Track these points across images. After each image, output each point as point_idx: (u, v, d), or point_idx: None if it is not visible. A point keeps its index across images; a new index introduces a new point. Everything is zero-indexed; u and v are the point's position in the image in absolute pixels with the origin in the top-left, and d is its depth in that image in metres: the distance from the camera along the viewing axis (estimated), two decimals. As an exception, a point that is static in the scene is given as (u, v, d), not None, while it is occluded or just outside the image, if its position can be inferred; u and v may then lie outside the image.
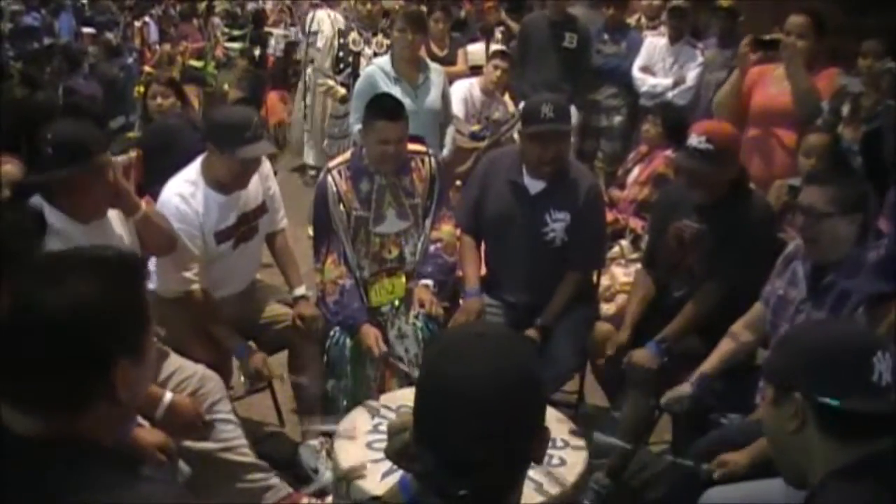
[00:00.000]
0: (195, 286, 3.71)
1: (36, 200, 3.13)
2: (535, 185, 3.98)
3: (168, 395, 3.20)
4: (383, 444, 2.93)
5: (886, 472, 1.76)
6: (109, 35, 13.53)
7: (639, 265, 4.20)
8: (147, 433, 2.94)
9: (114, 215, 3.32)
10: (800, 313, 3.15)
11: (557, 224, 3.96)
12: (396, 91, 5.05)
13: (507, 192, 4.02)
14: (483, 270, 4.22)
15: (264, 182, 3.99)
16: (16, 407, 1.44)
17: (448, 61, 7.03)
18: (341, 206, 4.04)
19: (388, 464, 2.66)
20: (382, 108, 3.97)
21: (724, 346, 3.42)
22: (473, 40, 8.00)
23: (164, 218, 3.55)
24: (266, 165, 4.01)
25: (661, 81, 6.65)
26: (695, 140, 3.57)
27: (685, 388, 3.38)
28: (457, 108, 6.05)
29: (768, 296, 3.35)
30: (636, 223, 5.14)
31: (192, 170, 3.81)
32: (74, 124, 3.23)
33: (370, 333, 3.88)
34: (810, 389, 1.81)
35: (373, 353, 3.85)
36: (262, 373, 3.80)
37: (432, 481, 1.45)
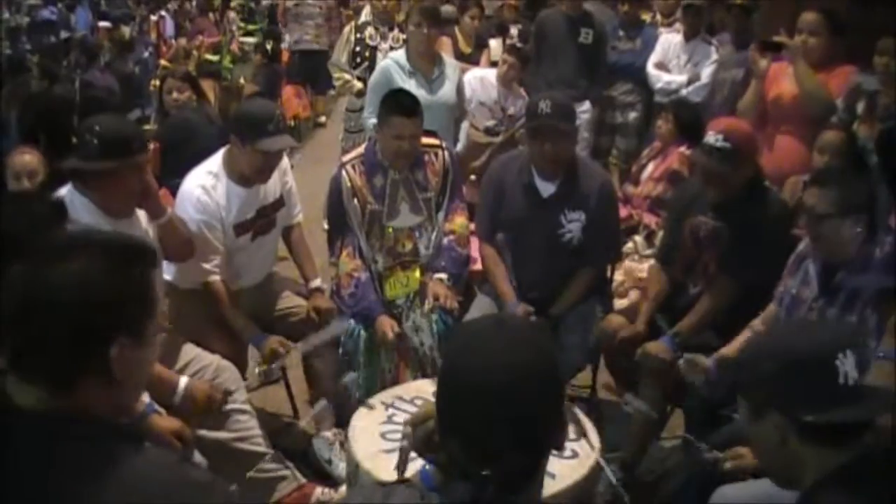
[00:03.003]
0: (214, 277, 3.75)
1: (66, 191, 3.18)
2: (546, 188, 3.97)
3: (184, 380, 3.24)
4: (397, 435, 2.98)
5: (873, 471, 1.77)
6: (126, 29, 13.60)
7: (653, 261, 4.20)
8: (162, 419, 2.97)
9: (140, 215, 3.39)
10: (812, 312, 3.16)
11: (573, 224, 3.96)
12: (411, 84, 5.07)
13: (519, 195, 4.01)
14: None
15: (282, 176, 4.03)
16: (19, 378, 1.51)
17: (474, 59, 7.06)
18: (356, 201, 4.06)
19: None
20: (398, 103, 3.98)
21: (745, 337, 3.43)
22: (491, 36, 8.02)
23: (185, 224, 3.59)
24: (284, 160, 4.04)
25: (676, 78, 6.64)
26: (712, 138, 3.55)
27: (706, 360, 3.40)
28: (473, 90, 6.08)
29: (781, 295, 3.36)
30: (650, 219, 5.15)
31: (214, 162, 3.84)
32: (120, 120, 3.36)
33: (385, 322, 3.91)
34: (782, 407, 1.82)
35: (387, 339, 3.87)
36: (278, 351, 3.78)
37: (457, 466, 1.49)
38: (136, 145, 3.22)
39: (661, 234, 4.47)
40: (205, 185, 3.77)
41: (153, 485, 1.47)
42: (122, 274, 1.55)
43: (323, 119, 11.87)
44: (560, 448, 1.57)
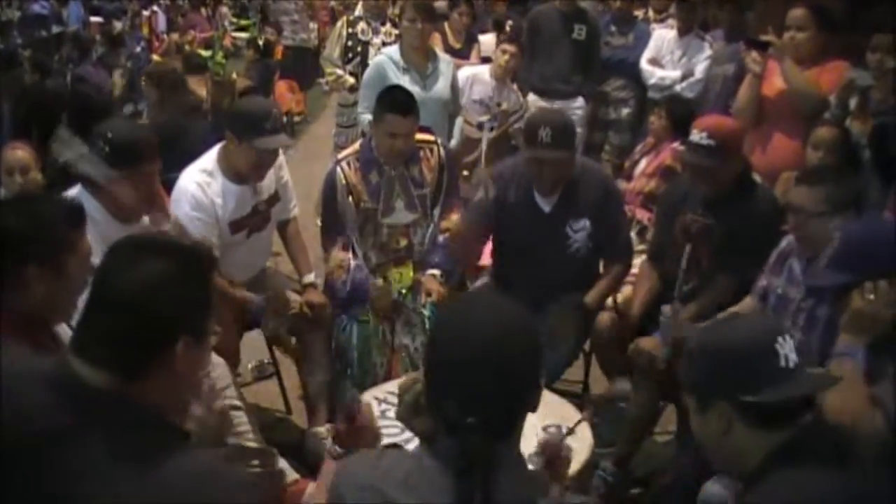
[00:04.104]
0: None
1: (77, 192, 3.18)
2: (547, 203, 3.96)
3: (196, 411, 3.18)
4: (390, 430, 2.98)
5: (810, 446, 1.83)
6: (118, 24, 13.56)
7: (645, 256, 4.20)
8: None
9: (144, 221, 3.40)
10: (801, 311, 3.16)
11: (579, 234, 3.96)
12: (405, 80, 5.06)
13: (521, 212, 3.99)
14: (487, 258, 4.24)
15: (277, 171, 4.02)
16: (87, 363, 1.59)
17: (464, 54, 7.06)
18: (350, 199, 4.05)
19: (395, 449, 2.68)
20: (394, 102, 3.97)
21: None
22: (483, 32, 8.02)
23: (185, 231, 3.59)
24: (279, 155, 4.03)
25: (670, 74, 6.63)
26: (696, 136, 3.60)
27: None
28: (467, 87, 6.09)
29: (762, 291, 3.36)
30: (643, 214, 5.15)
31: (209, 159, 3.84)
32: (133, 127, 3.35)
33: (379, 286, 4.01)
34: (727, 393, 1.87)
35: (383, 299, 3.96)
36: (287, 305, 3.90)
37: (445, 422, 1.62)
38: (147, 154, 3.24)
39: (652, 230, 4.47)
40: (200, 183, 3.76)
41: (199, 482, 1.55)
42: (191, 278, 1.67)
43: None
44: (534, 411, 1.70)
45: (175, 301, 1.63)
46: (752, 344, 1.89)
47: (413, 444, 1.89)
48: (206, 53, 11.99)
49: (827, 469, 1.80)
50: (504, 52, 6.33)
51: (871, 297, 2.39)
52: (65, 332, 2.49)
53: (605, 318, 3.90)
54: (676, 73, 6.58)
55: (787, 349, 1.87)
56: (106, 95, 8.35)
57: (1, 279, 2.26)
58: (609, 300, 4.42)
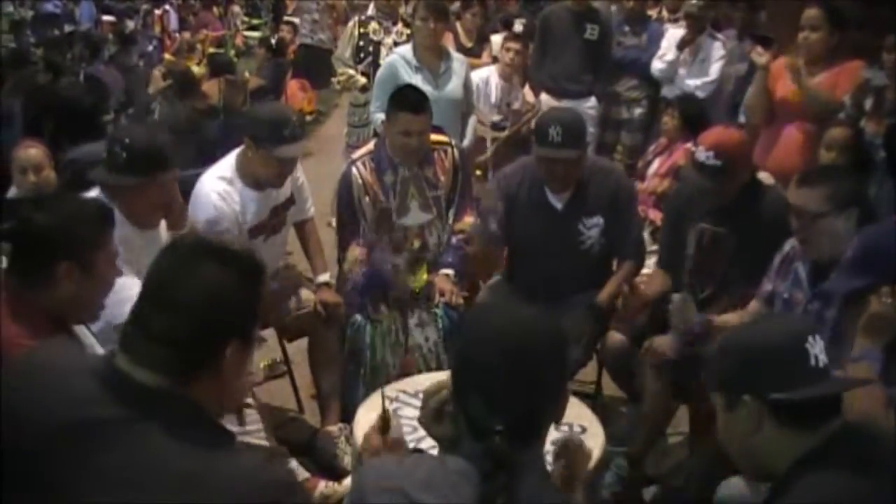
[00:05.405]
0: None
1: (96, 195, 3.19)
2: (559, 200, 3.96)
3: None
4: (402, 429, 2.97)
5: (842, 453, 1.82)
6: (130, 23, 13.59)
7: (654, 260, 4.17)
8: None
9: (161, 225, 3.40)
10: (808, 315, 3.12)
11: (593, 230, 3.95)
12: (418, 79, 5.06)
13: (533, 211, 3.99)
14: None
15: (293, 173, 4.00)
16: (136, 361, 1.62)
17: (475, 53, 7.07)
18: (367, 199, 4.05)
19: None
20: (406, 100, 3.97)
21: (737, 316, 3.44)
22: (495, 31, 8.02)
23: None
24: None
25: (668, 57, 6.58)
26: (702, 155, 3.53)
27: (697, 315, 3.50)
28: (480, 91, 6.10)
29: (768, 296, 3.35)
30: (655, 215, 5.14)
31: (227, 166, 3.83)
32: (152, 135, 3.32)
33: None
34: (758, 389, 1.86)
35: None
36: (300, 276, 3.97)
37: (471, 425, 1.65)
38: (165, 162, 3.21)
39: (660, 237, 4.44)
40: (221, 193, 3.75)
41: (248, 481, 1.58)
42: (246, 284, 1.70)
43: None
44: (559, 421, 1.76)
45: (231, 306, 1.66)
46: (783, 342, 1.88)
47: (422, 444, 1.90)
48: (220, 51, 12.01)
49: (859, 474, 1.78)
50: (509, 49, 6.35)
51: (888, 300, 2.38)
52: (82, 332, 2.50)
53: (615, 338, 3.88)
54: (673, 54, 6.54)
55: (816, 349, 1.86)
56: (88, 101, 8.28)
57: (31, 275, 2.27)
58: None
